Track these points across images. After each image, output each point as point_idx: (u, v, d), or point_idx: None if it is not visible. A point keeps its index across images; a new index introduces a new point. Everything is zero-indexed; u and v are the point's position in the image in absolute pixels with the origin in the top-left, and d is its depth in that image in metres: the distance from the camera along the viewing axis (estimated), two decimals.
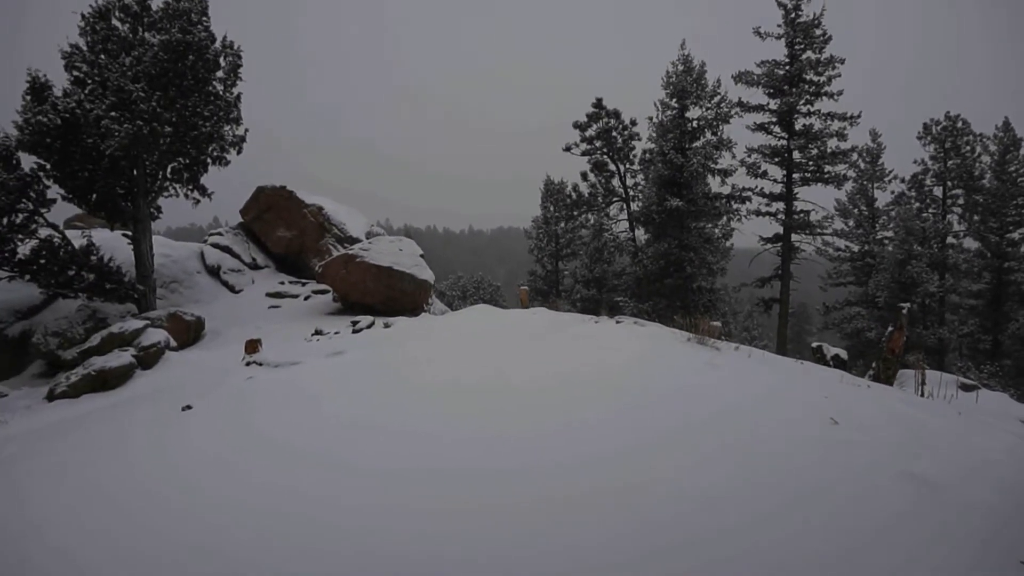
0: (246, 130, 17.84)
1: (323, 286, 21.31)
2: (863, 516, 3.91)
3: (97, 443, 6.65)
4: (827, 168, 24.23)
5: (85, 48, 15.79)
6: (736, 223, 24.68)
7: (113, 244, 17.42)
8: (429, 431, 5.71)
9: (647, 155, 25.92)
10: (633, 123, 26.59)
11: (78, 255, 15.46)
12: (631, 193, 27.33)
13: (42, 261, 14.94)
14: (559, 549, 3.66)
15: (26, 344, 15.03)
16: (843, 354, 13.75)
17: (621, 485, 4.45)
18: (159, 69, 15.36)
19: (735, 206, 24.70)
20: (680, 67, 23.77)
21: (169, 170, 17.27)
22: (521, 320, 12.59)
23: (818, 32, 23.88)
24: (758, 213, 25.07)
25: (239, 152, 17.86)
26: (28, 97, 15.01)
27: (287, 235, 24.52)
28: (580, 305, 24.34)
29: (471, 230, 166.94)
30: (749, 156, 25.02)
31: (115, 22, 16.14)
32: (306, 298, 21.39)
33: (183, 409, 7.40)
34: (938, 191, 29.85)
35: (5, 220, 14.42)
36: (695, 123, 23.57)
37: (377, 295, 19.01)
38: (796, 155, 24.58)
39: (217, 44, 16.69)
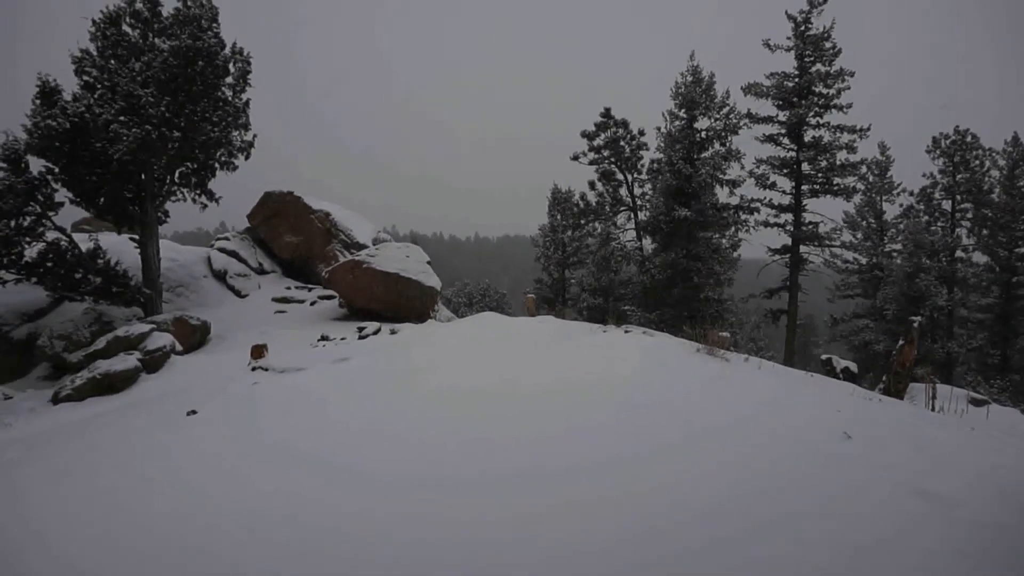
0: (254, 135, 17.86)
1: (329, 292, 21.26)
2: (874, 532, 3.81)
3: (100, 447, 6.57)
4: (836, 180, 24.18)
5: (95, 53, 15.84)
6: (744, 234, 24.62)
7: (120, 248, 17.42)
8: (431, 438, 5.65)
9: (655, 165, 25.87)
10: (641, 133, 26.58)
11: (85, 258, 15.46)
12: (639, 203, 27.28)
13: (49, 264, 14.93)
14: (558, 556, 3.62)
15: (32, 347, 15.01)
16: (853, 367, 13.63)
17: (622, 493, 4.40)
18: (168, 74, 15.40)
19: (743, 217, 24.64)
20: (689, 78, 23.75)
21: (177, 175, 17.29)
22: (528, 328, 12.51)
23: (828, 45, 23.87)
24: (766, 224, 24.99)
25: (247, 157, 17.86)
26: (37, 101, 15.05)
27: (294, 240, 24.51)
28: (587, 313, 24.23)
29: (477, 237, 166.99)
30: (758, 167, 25.01)
31: (125, 28, 16.19)
32: (312, 303, 21.34)
33: (188, 414, 7.33)
34: (947, 205, 29.73)
35: (13, 223, 14.43)
36: (704, 133, 23.50)
37: (384, 301, 18.95)
38: (805, 167, 24.55)
39: (227, 50, 16.71)
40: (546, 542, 3.79)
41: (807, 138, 24.46)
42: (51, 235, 15.34)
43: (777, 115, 24.74)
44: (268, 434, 6.13)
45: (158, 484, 5.12)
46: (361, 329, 15.51)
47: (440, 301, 23.09)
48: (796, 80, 24.37)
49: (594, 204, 28.12)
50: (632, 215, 27.51)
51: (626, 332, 11.90)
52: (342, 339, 14.66)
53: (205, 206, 17.94)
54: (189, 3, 16.18)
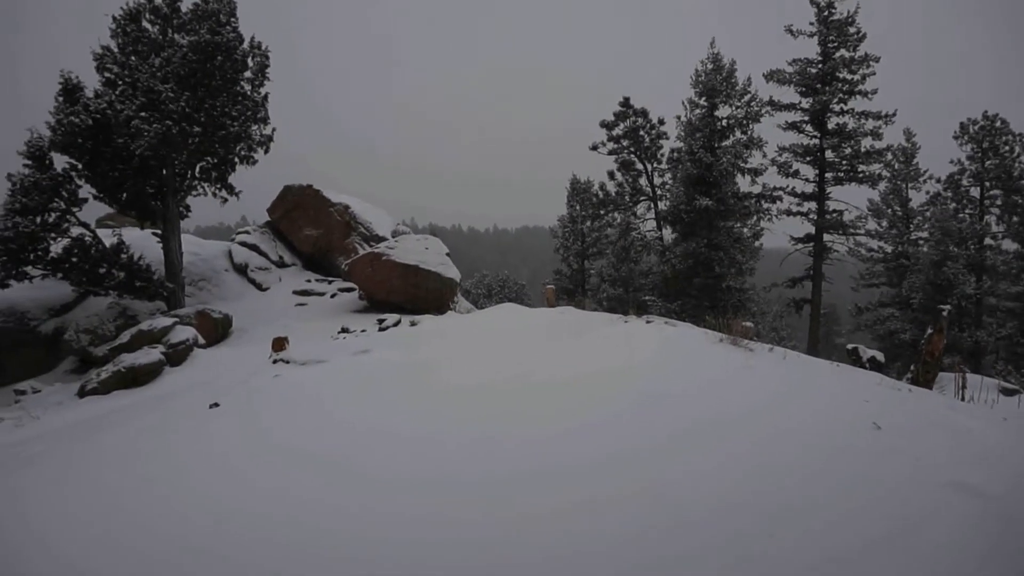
0: (273, 129, 17.93)
1: (349, 284, 21.36)
2: (905, 525, 3.70)
3: (119, 444, 6.62)
4: (861, 167, 23.76)
5: (116, 50, 15.97)
6: (766, 223, 24.34)
7: (143, 243, 17.61)
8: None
9: (675, 154, 25.62)
10: (661, 122, 26.35)
11: (109, 253, 15.64)
12: (659, 192, 27.04)
13: (74, 259, 15.14)
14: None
15: (59, 341, 15.26)
16: (880, 356, 13.34)
17: (639, 488, 4.31)
18: (188, 70, 15.49)
19: (765, 205, 24.35)
20: (710, 65, 23.40)
21: (198, 169, 17.44)
22: (548, 319, 12.41)
23: (852, 30, 23.41)
24: (789, 213, 24.68)
25: (266, 151, 17.95)
26: (60, 98, 15.21)
27: (314, 233, 24.64)
28: (606, 304, 24.06)
29: (496, 229, 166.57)
30: (780, 155, 24.64)
31: (145, 24, 16.31)
32: (332, 296, 21.45)
33: (210, 407, 7.36)
34: (975, 191, 29.00)
35: (38, 219, 14.64)
36: (725, 122, 23.18)
37: (403, 293, 18.98)
38: (829, 154, 24.15)
39: (245, 45, 16.78)
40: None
41: (831, 125, 24.04)
42: (75, 231, 15.55)
43: (800, 102, 24.35)
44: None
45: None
46: (381, 321, 15.55)
47: (459, 293, 23.07)
48: (819, 66, 23.94)
49: (613, 194, 27.93)
50: (652, 205, 27.29)
51: (648, 322, 11.75)
52: (362, 331, 14.70)
53: (225, 200, 18.06)
54: None
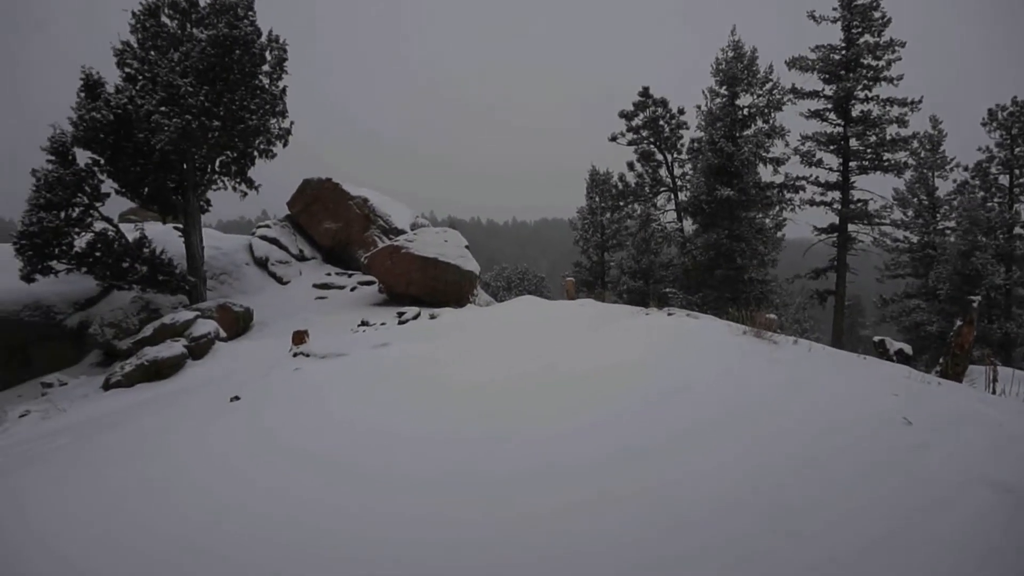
0: (291, 123, 17.96)
1: (369, 277, 21.41)
2: (939, 526, 3.57)
3: (144, 434, 6.64)
4: (886, 156, 23.24)
5: (136, 45, 16.07)
6: (789, 213, 23.92)
7: (165, 237, 17.78)
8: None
9: (695, 144, 25.28)
10: (681, 112, 26.02)
11: (131, 248, 15.79)
12: (679, 183, 26.73)
13: (97, 254, 15.31)
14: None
15: (84, 334, 15.46)
16: (907, 349, 13.08)
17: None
18: (207, 64, 15.54)
19: (788, 195, 23.93)
20: (730, 53, 23.01)
21: (217, 163, 17.54)
22: (568, 312, 12.32)
23: (877, 15, 22.87)
24: (812, 203, 24.27)
25: (285, 145, 17.98)
26: (82, 94, 15.35)
27: (333, 227, 24.72)
28: (627, 296, 23.90)
29: (515, 221, 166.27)
30: (803, 144, 24.19)
31: (164, 19, 16.40)
32: (352, 289, 21.52)
33: (231, 400, 7.37)
34: (1004, 179, 28.29)
35: (62, 214, 14.81)
36: (746, 111, 22.82)
37: (422, 286, 18.97)
38: (853, 142, 23.65)
39: (263, 38, 16.80)
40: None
41: (855, 112, 23.53)
42: (99, 225, 15.71)
43: (823, 89, 23.85)
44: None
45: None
46: (401, 314, 15.54)
47: (479, 285, 23.03)
48: (843, 52, 23.42)
49: (633, 185, 27.62)
50: (672, 196, 26.98)
51: (669, 315, 11.61)
52: (382, 324, 14.69)
53: (245, 194, 18.15)
54: None
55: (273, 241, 23.97)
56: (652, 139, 26.57)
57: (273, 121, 17.41)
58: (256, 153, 17.61)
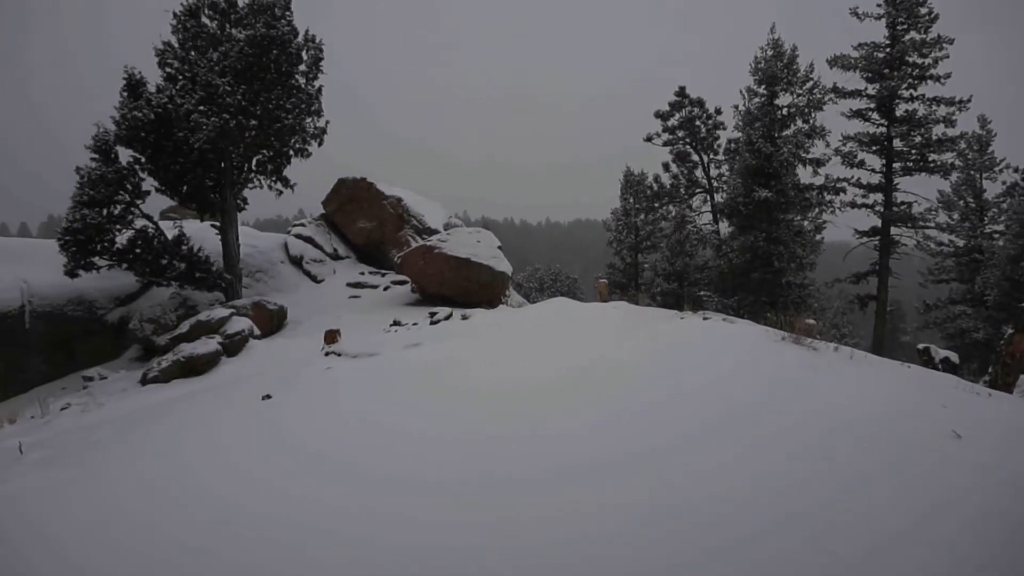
0: (327, 122, 18.09)
1: (402, 277, 21.48)
2: (990, 549, 3.39)
3: (185, 427, 6.70)
4: (932, 157, 22.56)
5: (176, 45, 16.35)
6: (829, 215, 23.38)
7: (202, 235, 18.05)
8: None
9: (732, 144, 24.88)
10: (718, 112, 25.69)
11: (170, 245, 16.07)
12: (715, 184, 26.35)
13: (138, 250, 15.60)
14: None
15: (124, 329, 15.81)
16: (953, 357, 12.60)
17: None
18: (244, 63, 15.74)
19: (828, 197, 23.41)
20: (769, 52, 22.58)
21: (254, 162, 17.76)
22: (599, 314, 12.16)
23: (923, 11, 22.21)
24: (853, 205, 23.70)
25: (320, 144, 18.13)
26: (124, 94, 15.66)
27: (367, 226, 24.87)
28: (660, 299, 23.60)
29: (548, 222, 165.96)
30: (844, 144, 23.63)
31: (204, 19, 16.66)
32: (385, 288, 21.61)
33: (263, 398, 7.40)
34: None
35: (105, 211, 15.12)
36: (785, 110, 22.37)
37: (455, 286, 18.94)
38: (897, 143, 23.02)
39: (299, 38, 16.95)
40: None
41: (899, 112, 22.90)
42: (139, 223, 16.02)
43: (866, 88, 23.27)
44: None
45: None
46: (433, 314, 15.52)
47: (511, 286, 22.96)
48: (887, 50, 22.81)
49: (668, 186, 27.35)
50: (708, 197, 26.64)
51: (705, 319, 11.36)
52: (414, 324, 14.68)
53: (280, 192, 18.34)
54: None
55: (308, 240, 24.22)
56: (688, 139, 26.28)
57: (308, 120, 17.56)
58: (292, 152, 17.78)
